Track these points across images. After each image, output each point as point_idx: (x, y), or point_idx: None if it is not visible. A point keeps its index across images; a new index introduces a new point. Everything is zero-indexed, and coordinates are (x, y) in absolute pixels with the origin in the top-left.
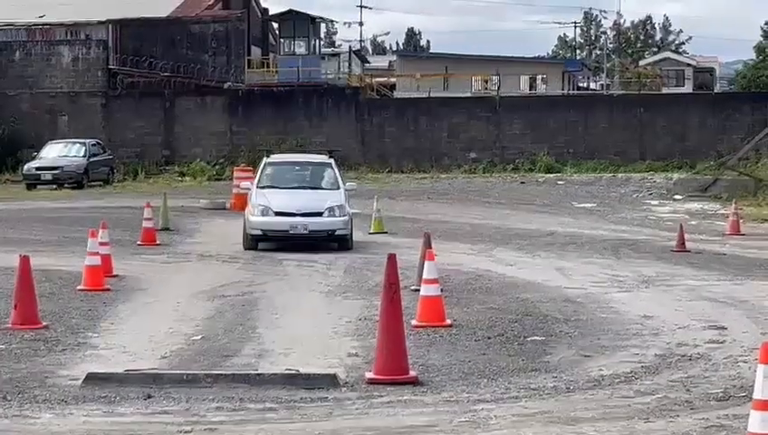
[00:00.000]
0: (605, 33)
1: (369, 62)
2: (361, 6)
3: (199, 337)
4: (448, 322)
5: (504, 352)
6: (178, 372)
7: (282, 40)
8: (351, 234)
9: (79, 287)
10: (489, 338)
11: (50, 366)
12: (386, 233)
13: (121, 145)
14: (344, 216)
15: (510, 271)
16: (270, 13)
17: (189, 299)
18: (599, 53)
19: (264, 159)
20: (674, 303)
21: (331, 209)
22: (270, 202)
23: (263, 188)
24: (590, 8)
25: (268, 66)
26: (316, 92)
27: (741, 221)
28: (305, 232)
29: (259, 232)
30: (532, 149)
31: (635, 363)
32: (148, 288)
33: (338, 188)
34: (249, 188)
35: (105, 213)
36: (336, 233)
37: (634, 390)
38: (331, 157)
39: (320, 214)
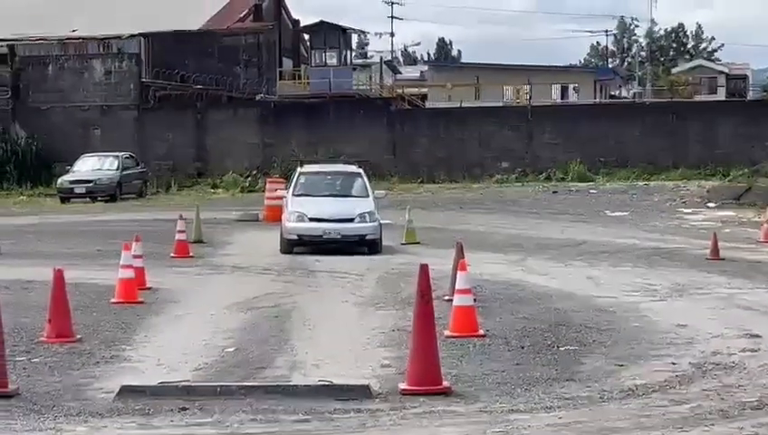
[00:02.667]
0: (637, 41)
1: (400, 73)
2: (392, 17)
3: (233, 349)
4: (481, 332)
5: (537, 362)
6: (212, 384)
7: (313, 51)
8: (381, 238)
9: (112, 300)
10: (522, 348)
11: (84, 379)
12: (418, 243)
13: (154, 158)
14: (374, 221)
15: (542, 280)
16: (301, 24)
17: (222, 311)
18: (631, 61)
19: (298, 169)
20: (708, 311)
21: (361, 216)
22: (305, 209)
23: (298, 196)
24: (623, 16)
25: (300, 78)
26: (348, 103)
27: None
28: (338, 237)
29: (295, 237)
30: (564, 159)
31: (669, 373)
32: (181, 300)
33: (367, 195)
34: (285, 197)
35: (138, 226)
36: (366, 237)
37: (668, 399)
38: (360, 167)
39: (351, 220)
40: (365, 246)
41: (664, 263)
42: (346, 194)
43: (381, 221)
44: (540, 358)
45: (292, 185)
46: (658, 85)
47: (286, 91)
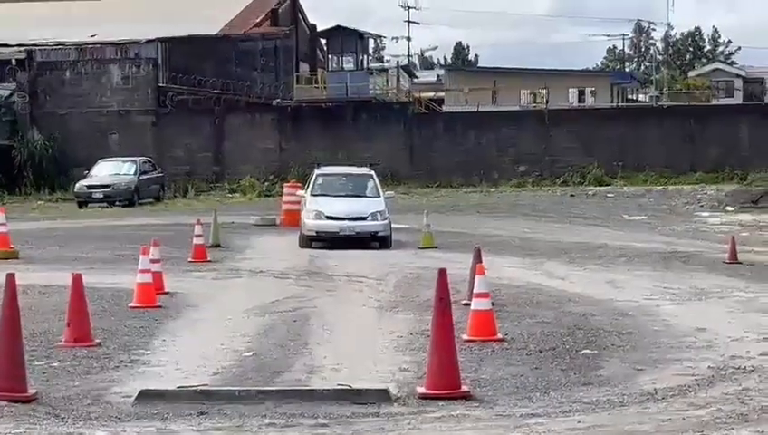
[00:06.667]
0: (654, 44)
1: (417, 77)
2: (409, 21)
3: (251, 353)
4: (500, 336)
5: (555, 366)
6: (230, 388)
7: (330, 56)
8: (391, 235)
9: (131, 305)
10: (541, 352)
11: (103, 383)
12: (436, 248)
13: (172, 162)
14: (385, 219)
15: (561, 284)
16: (318, 29)
17: (240, 315)
18: (648, 64)
19: (315, 171)
20: (727, 315)
21: (373, 214)
22: (322, 208)
23: (315, 195)
24: (639, 20)
25: (317, 82)
26: (365, 108)
27: None
28: (353, 233)
29: (313, 233)
30: (582, 162)
31: (688, 376)
32: (199, 305)
33: (378, 196)
34: (304, 196)
35: (156, 230)
36: (378, 234)
37: (688, 403)
38: (372, 169)
39: (364, 218)
40: (376, 241)
41: (682, 266)
42: (359, 194)
43: (394, 225)
44: (559, 362)
45: (310, 185)
46: (675, 89)
47: (303, 96)
